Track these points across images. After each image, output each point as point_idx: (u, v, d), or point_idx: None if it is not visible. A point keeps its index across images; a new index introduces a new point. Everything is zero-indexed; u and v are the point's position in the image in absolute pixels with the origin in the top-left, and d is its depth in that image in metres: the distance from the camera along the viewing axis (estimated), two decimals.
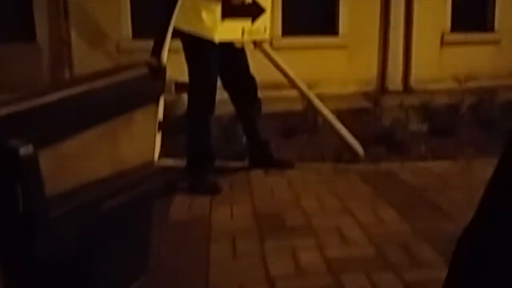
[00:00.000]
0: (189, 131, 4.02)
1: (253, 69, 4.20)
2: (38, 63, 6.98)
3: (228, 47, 3.84)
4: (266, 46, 4.48)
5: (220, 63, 3.84)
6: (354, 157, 4.68)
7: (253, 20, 3.90)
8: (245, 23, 3.86)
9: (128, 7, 7.06)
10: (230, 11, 3.70)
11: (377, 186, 3.98)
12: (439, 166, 4.50)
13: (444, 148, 5.02)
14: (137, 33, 6.97)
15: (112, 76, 2.13)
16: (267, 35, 4.16)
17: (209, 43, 3.69)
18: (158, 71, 2.32)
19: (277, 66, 4.61)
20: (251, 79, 4.17)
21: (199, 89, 3.84)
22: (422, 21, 7.56)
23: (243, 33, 3.88)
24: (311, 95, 4.83)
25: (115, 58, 6.93)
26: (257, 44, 4.32)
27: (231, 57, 3.95)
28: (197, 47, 3.73)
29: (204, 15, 3.63)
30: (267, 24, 4.03)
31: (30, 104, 1.74)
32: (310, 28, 7.45)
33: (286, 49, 7.24)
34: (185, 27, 3.61)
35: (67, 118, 1.91)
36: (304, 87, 4.77)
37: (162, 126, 2.43)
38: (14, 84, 5.93)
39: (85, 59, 6.92)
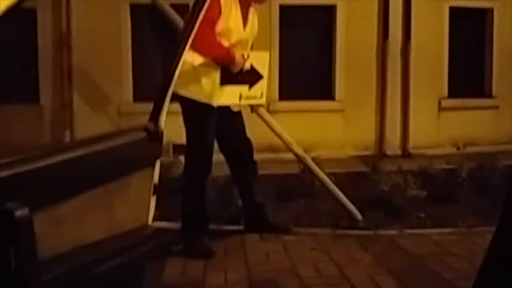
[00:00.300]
0: (184, 194, 4.03)
1: (249, 131, 4.25)
2: (40, 125, 7.09)
3: (225, 110, 3.90)
4: (262, 110, 4.55)
5: (217, 126, 3.89)
6: (352, 222, 4.65)
7: (251, 86, 3.98)
8: (243, 89, 3.94)
9: (130, 71, 7.24)
10: (228, 78, 3.79)
11: (376, 253, 3.92)
12: (438, 233, 4.44)
13: (444, 214, 4.97)
14: (138, 96, 7.10)
15: (109, 140, 2.17)
16: (263, 100, 4.23)
17: (208, 107, 3.76)
18: (155, 135, 2.37)
19: (273, 129, 4.67)
20: (248, 142, 4.21)
21: (196, 152, 3.88)
22: (419, 87, 7.71)
23: (240, 98, 3.95)
24: (307, 158, 4.86)
25: (116, 120, 7.04)
26: (253, 108, 4.39)
27: (228, 120, 4.00)
28: (195, 111, 3.79)
29: (204, 80, 3.71)
30: (264, 90, 4.10)
31: (27, 168, 1.77)
32: (306, 93, 7.60)
33: (283, 112, 7.37)
34: (184, 92, 3.69)
35: (63, 182, 1.93)
36: (300, 151, 4.80)
37: (157, 189, 2.43)
38: (16, 145, 6.04)
39: (87, 121, 7.04)
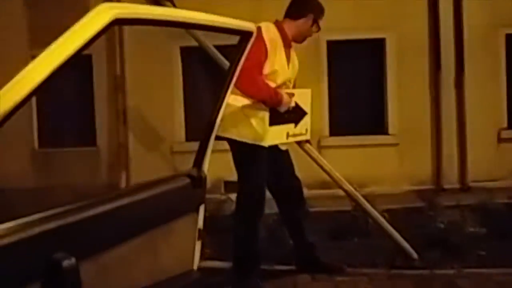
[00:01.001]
0: (236, 234, 4.01)
1: (300, 167, 4.22)
2: (97, 166, 7.31)
3: (273, 150, 3.90)
4: (309, 147, 4.53)
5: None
6: (407, 261, 4.51)
7: (296, 123, 3.99)
8: (289, 127, 3.95)
9: (182, 111, 7.39)
10: (276, 117, 3.82)
11: None
12: (500, 273, 4.23)
13: (505, 252, 4.75)
14: (190, 136, 7.21)
15: (154, 188, 2.21)
16: (308, 136, 4.23)
17: (259, 148, 3.77)
18: (199, 181, 2.40)
19: (321, 166, 4.62)
20: (296, 180, 4.19)
21: (249, 193, 3.88)
22: (475, 118, 7.49)
23: (287, 136, 3.97)
24: (358, 196, 4.77)
25: (169, 159, 7.17)
26: (299, 144, 4.38)
27: (276, 159, 4.00)
28: (247, 153, 3.80)
29: (254, 122, 3.73)
30: (308, 126, 4.12)
31: (73, 219, 1.82)
32: (358, 127, 7.52)
33: (335, 148, 7.32)
34: (235, 135, 3.74)
35: (108, 231, 1.97)
36: (350, 188, 4.72)
37: (202, 235, 2.44)
38: (73, 186, 6.24)
39: (141, 161, 7.21)
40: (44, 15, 7.08)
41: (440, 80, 7.52)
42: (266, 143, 3.78)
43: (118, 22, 1.73)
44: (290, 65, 3.89)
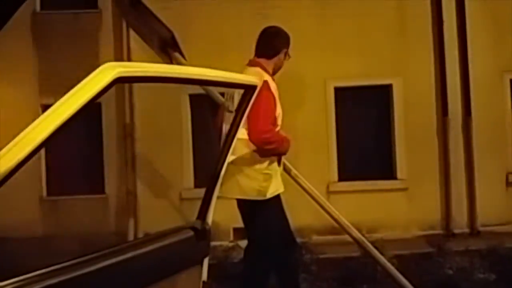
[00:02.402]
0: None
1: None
2: (105, 214, 7.33)
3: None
4: (316, 193, 4.59)
5: None
6: None
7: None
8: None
9: (191, 158, 7.44)
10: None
11: None
12: None
13: None
14: (199, 182, 7.23)
15: (157, 241, 2.22)
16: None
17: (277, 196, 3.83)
18: (203, 233, 2.41)
19: (328, 212, 4.63)
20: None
21: (278, 242, 3.87)
22: (483, 162, 7.47)
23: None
24: (366, 242, 4.74)
25: (178, 206, 7.18)
26: (306, 191, 4.47)
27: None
28: (269, 205, 3.78)
29: (274, 175, 3.75)
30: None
31: (76, 274, 1.84)
32: (366, 172, 7.52)
33: (343, 193, 7.31)
34: (255, 194, 3.71)
35: (113, 286, 1.98)
36: (358, 235, 4.70)
37: (206, 287, 2.44)
38: (81, 235, 6.26)
39: (150, 208, 7.23)
40: (54, 64, 7.24)
41: (448, 125, 7.55)
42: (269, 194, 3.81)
43: (121, 81, 1.78)
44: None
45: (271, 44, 3.90)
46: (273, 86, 3.79)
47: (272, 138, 3.70)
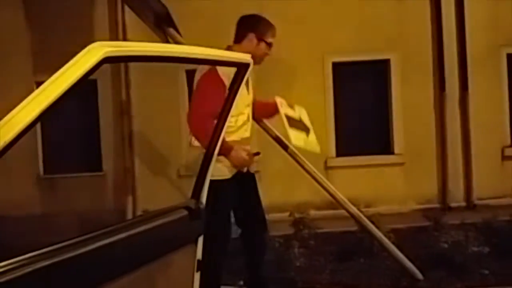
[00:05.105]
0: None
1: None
2: (103, 192, 7.34)
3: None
4: (313, 169, 4.62)
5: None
6: (413, 282, 4.51)
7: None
8: (304, 135, 4.16)
9: (188, 134, 7.40)
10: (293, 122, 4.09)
11: None
12: None
13: (509, 271, 4.75)
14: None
15: (151, 221, 2.23)
16: (319, 149, 4.35)
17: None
18: (197, 213, 2.42)
19: (325, 188, 4.66)
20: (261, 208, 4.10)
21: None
22: (479, 136, 7.48)
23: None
24: (363, 217, 4.78)
25: (177, 183, 7.19)
26: (303, 168, 4.54)
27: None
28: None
29: None
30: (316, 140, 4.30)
31: (71, 254, 1.84)
32: (364, 148, 7.54)
33: (341, 168, 7.34)
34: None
35: (107, 265, 1.99)
36: (354, 210, 4.74)
37: (201, 265, 2.46)
38: (79, 212, 6.28)
39: (148, 185, 7.24)
40: (48, 40, 7.17)
41: (445, 100, 7.54)
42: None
43: (109, 60, 1.76)
44: (250, 89, 3.94)
45: (236, 29, 3.93)
46: (226, 75, 3.47)
47: (199, 135, 3.62)
